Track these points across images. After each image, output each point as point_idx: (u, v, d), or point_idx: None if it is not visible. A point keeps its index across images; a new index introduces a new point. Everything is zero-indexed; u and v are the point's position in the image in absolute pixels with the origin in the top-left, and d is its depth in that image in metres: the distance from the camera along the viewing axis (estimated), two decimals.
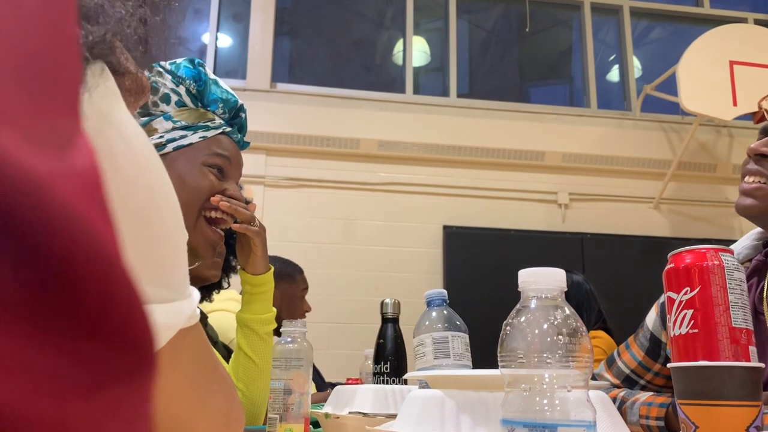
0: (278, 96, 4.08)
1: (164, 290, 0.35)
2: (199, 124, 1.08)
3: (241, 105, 1.17)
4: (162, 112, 1.07)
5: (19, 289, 0.16)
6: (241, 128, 1.18)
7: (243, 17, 4.35)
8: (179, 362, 0.42)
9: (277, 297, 1.86)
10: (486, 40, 4.93)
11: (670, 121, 4.40)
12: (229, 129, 1.13)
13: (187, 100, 1.09)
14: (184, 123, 1.07)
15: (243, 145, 1.19)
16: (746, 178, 1.06)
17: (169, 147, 1.05)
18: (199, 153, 1.07)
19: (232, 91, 1.14)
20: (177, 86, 1.07)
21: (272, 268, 1.26)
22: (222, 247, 1.34)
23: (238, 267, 1.27)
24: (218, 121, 1.12)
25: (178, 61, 1.09)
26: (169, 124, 1.06)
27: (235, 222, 1.17)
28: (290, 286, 2.11)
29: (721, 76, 3.87)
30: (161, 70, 1.07)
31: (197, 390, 0.45)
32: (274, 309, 1.27)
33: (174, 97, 1.07)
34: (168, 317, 0.35)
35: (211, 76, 1.11)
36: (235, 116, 1.16)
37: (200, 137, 1.07)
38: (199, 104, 1.11)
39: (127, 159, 0.32)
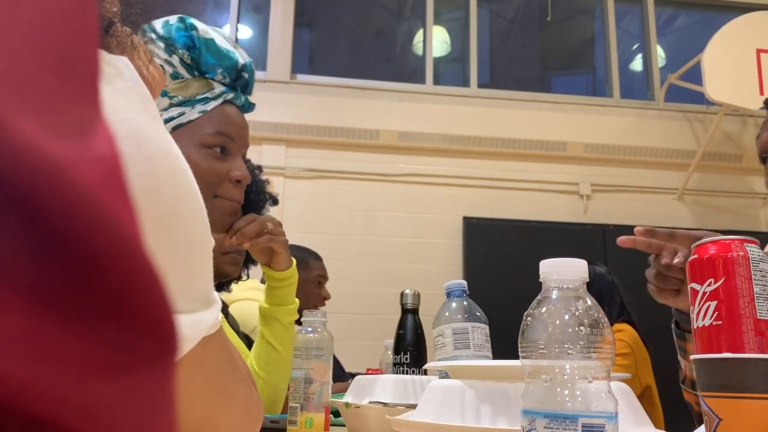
0: (298, 87, 4.08)
1: (185, 301, 0.35)
2: (197, 97, 1.00)
3: (243, 65, 1.04)
4: None
5: (41, 274, 0.16)
6: (246, 87, 1.07)
7: (263, 8, 4.36)
8: (200, 370, 0.41)
9: None
10: (507, 30, 4.89)
11: (695, 111, 4.33)
12: (231, 95, 1.03)
13: (182, 71, 0.99)
14: (181, 98, 0.98)
15: (248, 108, 1.09)
16: None
17: (168, 127, 0.96)
18: (199, 131, 0.99)
19: (232, 49, 1.02)
20: (170, 56, 0.98)
21: (294, 261, 1.26)
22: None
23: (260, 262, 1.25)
24: (218, 88, 1.02)
25: (171, 21, 0.98)
26: (166, 101, 0.98)
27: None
28: (302, 272, 2.10)
29: (747, 65, 3.80)
30: (153, 36, 0.97)
31: (217, 394, 0.45)
32: (297, 300, 1.28)
33: (168, 69, 0.98)
34: (188, 329, 0.34)
35: (207, 35, 0.99)
36: (238, 77, 1.05)
37: (200, 112, 0.99)
38: (196, 72, 1.00)
39: (149, 166, 0.31)
